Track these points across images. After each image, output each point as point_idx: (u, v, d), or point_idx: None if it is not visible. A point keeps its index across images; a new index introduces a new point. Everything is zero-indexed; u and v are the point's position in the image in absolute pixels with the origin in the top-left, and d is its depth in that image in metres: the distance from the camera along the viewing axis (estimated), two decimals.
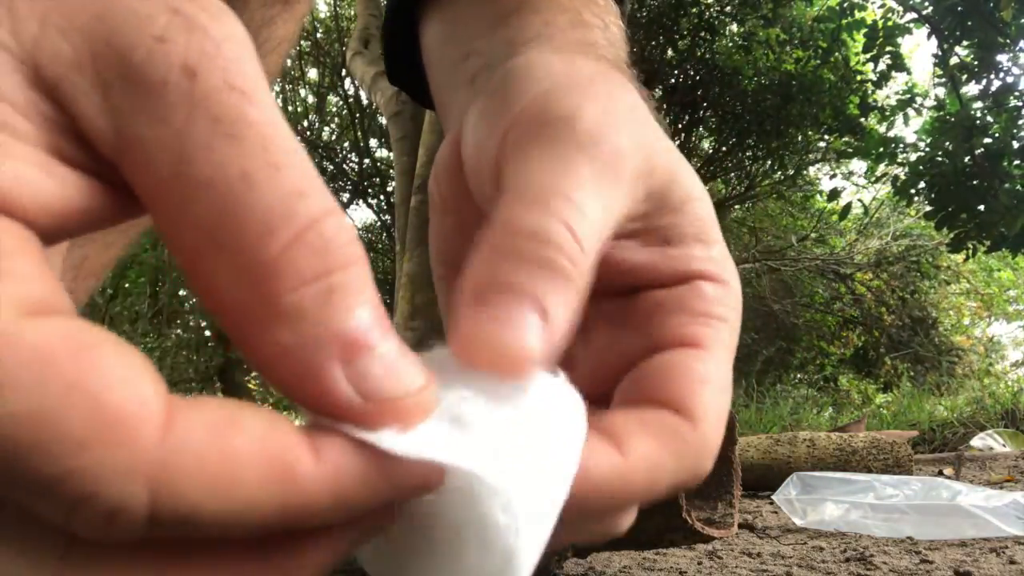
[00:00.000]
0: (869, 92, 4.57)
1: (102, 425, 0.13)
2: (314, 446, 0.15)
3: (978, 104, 3.86)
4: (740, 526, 0.75)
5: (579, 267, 0.19)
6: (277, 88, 6.04)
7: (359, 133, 5.83)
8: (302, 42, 5.69)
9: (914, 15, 4.02)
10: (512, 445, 0.18)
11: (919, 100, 4.42)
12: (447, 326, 0.21)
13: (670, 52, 4.79)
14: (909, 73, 4.42)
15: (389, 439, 0.16)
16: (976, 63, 3.84)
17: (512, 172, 0.22)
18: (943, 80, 4.02)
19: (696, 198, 0.24)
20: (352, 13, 5.67)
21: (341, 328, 0.15)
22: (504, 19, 0.31)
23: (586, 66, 0.26)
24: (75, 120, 0.15)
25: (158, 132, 0.15)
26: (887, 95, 4.97)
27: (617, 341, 0.24)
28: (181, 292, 4.86)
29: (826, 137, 5.13)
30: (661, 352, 0.22)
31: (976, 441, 1.89)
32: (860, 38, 4.51)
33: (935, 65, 3.99)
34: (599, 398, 0.22)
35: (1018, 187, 3.52)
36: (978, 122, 3.65)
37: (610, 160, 0.21)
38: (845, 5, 4.43)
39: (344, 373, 0.15)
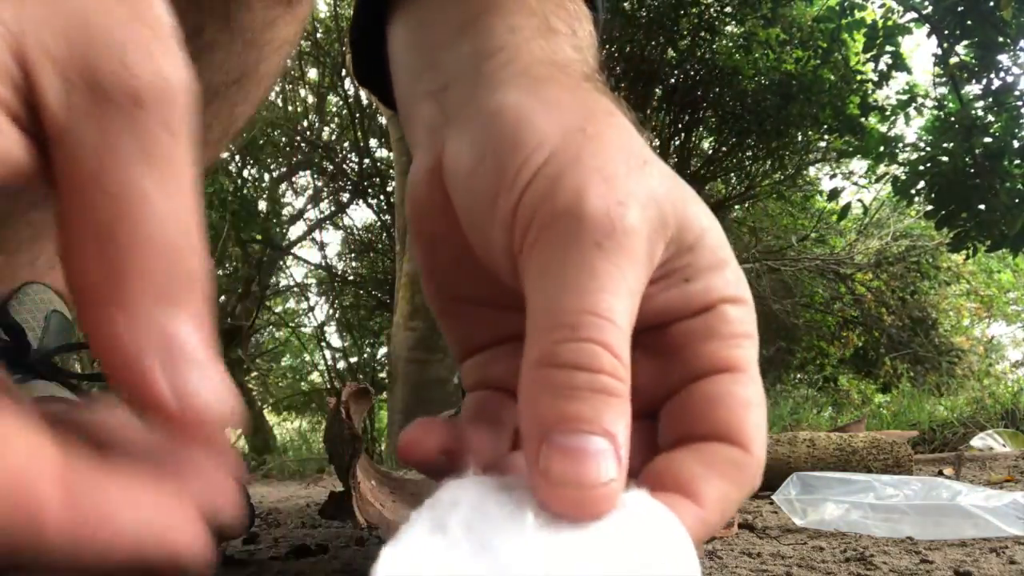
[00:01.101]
0: (869, 92, 4.57)
1: None
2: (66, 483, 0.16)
3: (978, 104, 3.86)
4: (740, 526, 0.75)
5: (624, 380, 0.20)
6: (277, 88, 6.05)
7: (359, 133, 5.83)
8: (302, 42, 5.69)
9: (914, 15, 4.02)
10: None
11: (919, 100, 4.42)
12: (456, 359, 0.25)
13: (670, 52, 4.79)
14: (909, 73, 4.42)
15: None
16: (976, 63, 3.84)
17: (534, 283, 0.22)
18: (943, 80, 4.02)
19: (707, 229, 0.25)
20: (352, 13, 5.67)
21: (172, 331, 0.17)
22: (470, 24, 0.30)
23: (568, 110, 0.26)
24: (35, 92, 0.17)
25: (94, 138, 0.17)
26: (887, 95, 4.97)
27: (654, 372, 0.25)
28: None
29: (826, 137, 5.12)
30: (700, 380, 0.24)
31: (976, 441, 1.89)
32: (860, 38, 4.51)
33: (935, 65, 3.99)
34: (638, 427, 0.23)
35: (1018, 187, 3.52)
36: (978, 122, 3.65)
37: (625, 244, 0.22)
38: (845, 5, 4.43)
39: (164, 373, 0.17)
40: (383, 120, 4.97)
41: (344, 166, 6.21)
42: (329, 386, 5.75)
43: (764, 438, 0.23)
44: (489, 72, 0.28)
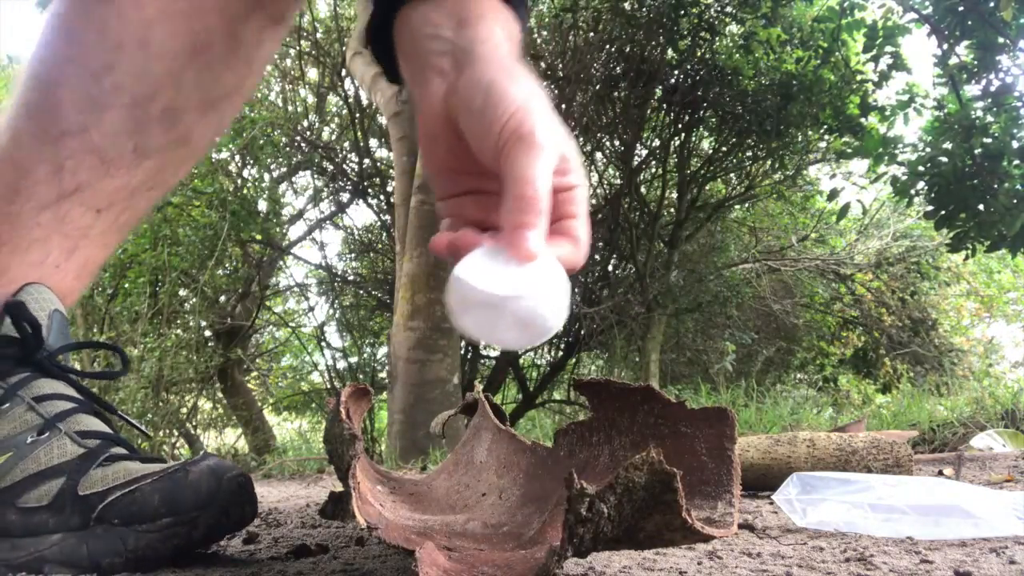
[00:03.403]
0: (869, 92, 4.57)
1: None
2: None
3: (978, 104, 3.86)
4: (740, 526, 0.75)
5: (545, 208, 0.45)
6: (277, 88, 6.04)
7: (359, 133, 5.82)
8: (302, 42, 5.68)
9: (914, 15, 4.02)
10: (542, 281, 0.44)
11: (919, 100, 4.42)
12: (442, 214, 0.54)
13: (670, 52, 4.79)
14: (909, 73, 4.42)
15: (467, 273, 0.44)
16: (976, 63, 3.84)
17: (510, 166, 0.46)
18: (943, 80, 4.02)
19: (574, 155, 0.49)
20: (352, 13, 5.66)
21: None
22: (468, 23, 0.52)
23: (524, 86, 0.49)
24: None
25: None
26: (887, 96, 4.96)
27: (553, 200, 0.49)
28: (181, 292, 4.86)
29: (826, 137, 5.12)
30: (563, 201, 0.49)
31: (976, 441, 1.89)
32: (860, 38, 4.51)
33: (935, 65, 3.99)
34: None
35: (1018, 187, 3.52)
36: (978, 122, 3.65)
37: (552, 153, 0.46)
38: (845, 5, 4.43)
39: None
40: (383, 120, 4.97)
41: (344, 166, 6.20)
42: (329, 386, 5.74)
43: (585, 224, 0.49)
44: (483, 53, 0.50)
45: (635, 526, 0.45)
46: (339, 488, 0.59)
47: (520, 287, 0.43)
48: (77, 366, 0.90)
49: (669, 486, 0.42)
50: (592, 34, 4.75)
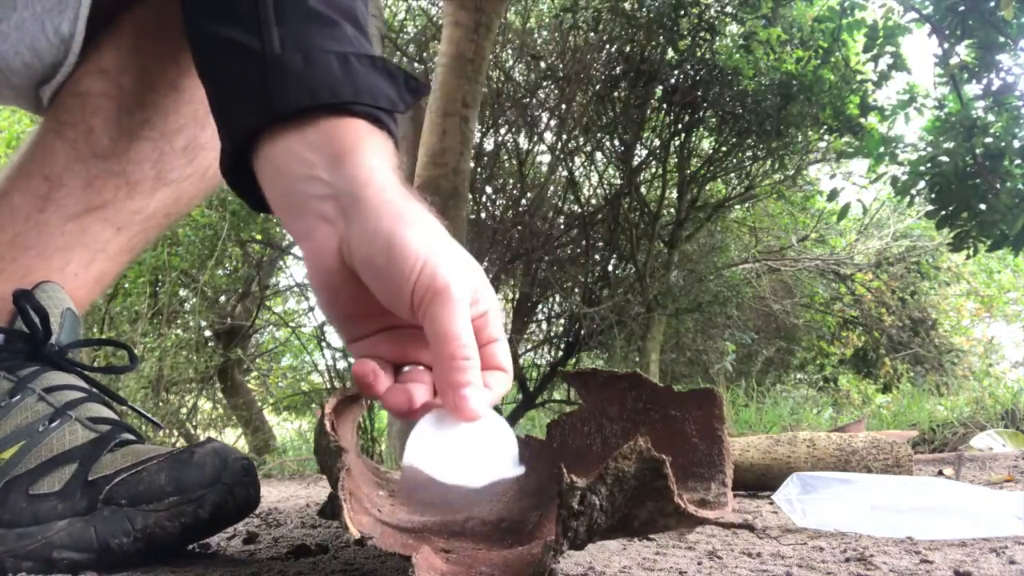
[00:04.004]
0: (869, 92, 4.56)
1: None
2: None
3: (979, 104, 3.86)
4: (740, 526, 0.75)
5: (475, 361, 0.47)
6: None
7: None
8: None
9: (914, 15, 4.02)
10: (489, 443, 0.49)
11: (919, 100, 4.41)
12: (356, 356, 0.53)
13: (670, 52, 4.79)
14: (909, 73, 4.41)
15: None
16: (976, 63, 3.83)
17: (431, 323, 0.46)
18: (944, 80, 4.01)
19: (482, 279, 0.50)
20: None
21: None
22: (342, 158, 0.49)
23: (423, 229, 0.48)
24: None
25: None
26: (887, 95, 4.95)
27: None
28: (181, 292, 4.86)
29: (826, 137, 5.12)
30: (487, 346, 0.51)
31: (976, 441, 1.89)
32: (860, 38, 4.50)
33: (936, 65, 3.98)
34: None
35: (1019, 186, 3.51)
36: (978, 122, 3.65)
37: (467, 298, 0.47)
38: (845, 5, 4.43)
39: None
40: None
41: None
42: (329, 386, 5.74)
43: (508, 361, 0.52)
44: (368, 197, 0.48)
45: (629, 515, 0.45)
46: None
47: (469, 468, 0.46)
48: (85, 360, 0.92)
49: (659, 472, 0.42)
50: (592, 34, 4.74)
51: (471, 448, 0.47)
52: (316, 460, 0.59)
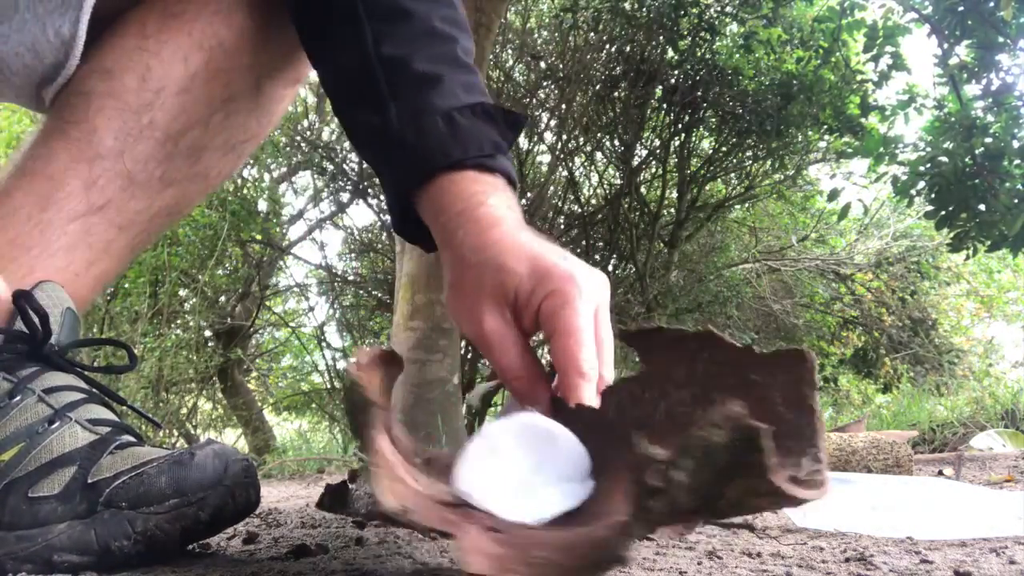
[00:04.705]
0: (869, 92, 4.56)
1: None
2: None
3: (978, 104, 3.86)
4: (740, 526, 0.74)
5: (594, 372, 0.54)
6: None
7: None
8: None
9: (914, 15, 4.02)
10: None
11: (919, 100, 4.41)
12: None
13: (670, 52, 4.79)
14: (909, 73, 4.41)
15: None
16: (976, 63, 3.83)
17: (554, 323, 0.52)
18: (943, 80, 4.01)
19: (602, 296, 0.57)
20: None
21: None
22: (472, 211, 0.57)
23: (535, 236, 0.57)
24: None
25: None
26: (887, 95, 4.95)
27: None
28: (181, 292, 4.86)
29: (826, 137, 5.12)
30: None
31: (976, 441, 1.89)
32: (860, 38, 4.51)
33: (935, 65, 3.98)
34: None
35: (1018, 187, 3.51)
36: (978, 122, 3.65)
37: (587, 316, 0.54)
38: (845, 5, 4.43)
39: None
40: None
41: (344, 166, 6.20)
42: (329, 386, 5.74)
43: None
44: (480, 217, 0.57)
45: (716, 493, 0.39)
46: (336, 483, 0.58)
47: (528, 500, 0.43)
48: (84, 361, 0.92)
49: (755, 445, 0.36)
50: (592, 34, 4.75)
51: (531, 474, 0.41)
52: (348, 422, 0.55)
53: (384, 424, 0.44)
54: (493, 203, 0.57)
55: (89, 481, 0.58)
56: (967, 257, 3.92)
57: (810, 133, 5.02)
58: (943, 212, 3.70)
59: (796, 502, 0.40)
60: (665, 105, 5.07)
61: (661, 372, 0.57)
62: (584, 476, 0.45)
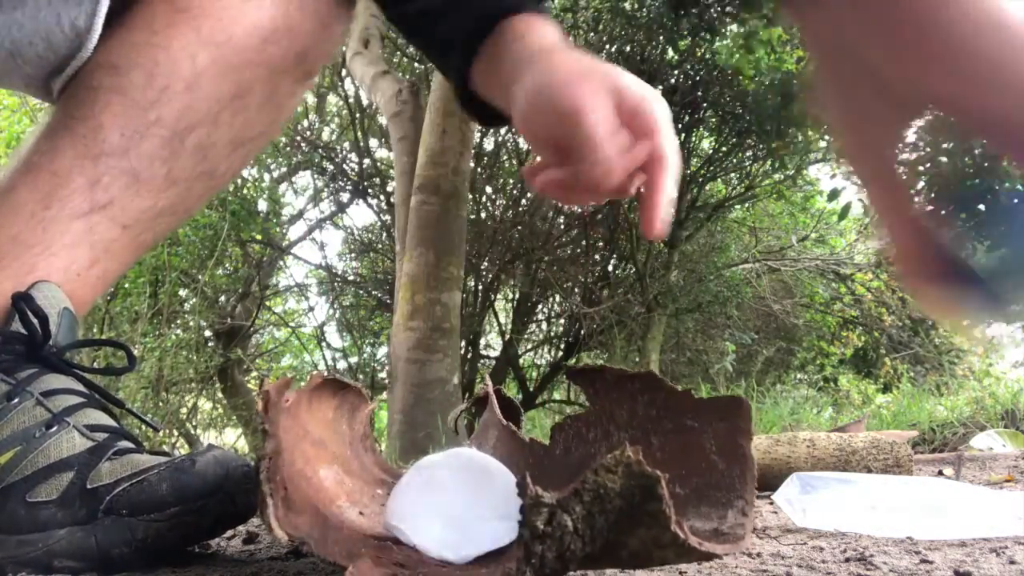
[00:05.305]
0: None
1: None
2: None
3: None
4: None
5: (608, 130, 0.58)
6: None
7: (359, 133, 5.82)
8: None
9: None
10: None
11: None
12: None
13: (670, 52, 4.79)
14: None
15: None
16: None
17: (652, 124, 0.60)
18: None
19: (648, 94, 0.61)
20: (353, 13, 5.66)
21: None
22: (519, 39, 0.65)
23: (576, 55, 0.61)
24: None
25: None
26: None
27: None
28: (181, 292, 4.86)
29: (826, 137, 5.12)
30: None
31: (976, 441, 1.89)
32: None
33: None
34: None
35: (1018, 187, 3.52)
36: None
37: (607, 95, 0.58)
38: None
39: None
40: (383, 120, 4.97)
41: (344, 166, 6.21)
42: None
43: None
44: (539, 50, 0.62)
45: (615, 542, 0.37)
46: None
47: (455, 538, 0.42)
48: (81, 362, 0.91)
49: (652, 493, 0.34)
50: (592, 34, 4.75)
51: (464, 510, 0.40)
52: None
53: (278, 451, 0.42)
54: (560, 38, 0.65)
55: (88, 487, 0.58)
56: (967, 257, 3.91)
57: (810, 133, 5.01)
58: (943, 212, 3.70)
59: (708, 557, 0.38)
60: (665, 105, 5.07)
61: (605, 412, 0.57)
62: (513, 515, 0.41)
